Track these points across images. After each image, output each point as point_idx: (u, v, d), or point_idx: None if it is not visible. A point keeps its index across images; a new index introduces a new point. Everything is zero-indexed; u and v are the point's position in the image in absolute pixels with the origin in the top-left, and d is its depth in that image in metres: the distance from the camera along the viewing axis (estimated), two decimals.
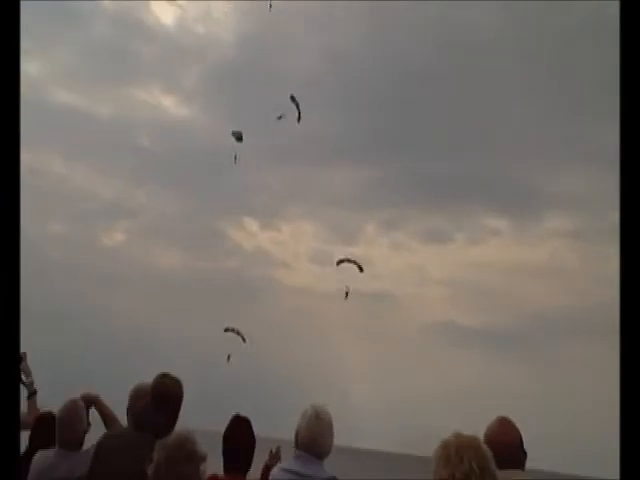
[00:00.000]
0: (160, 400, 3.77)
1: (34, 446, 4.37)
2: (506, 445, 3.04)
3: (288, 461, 3.56)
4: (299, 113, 12.84)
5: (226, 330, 14.29)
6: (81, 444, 4.20)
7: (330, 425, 3.54)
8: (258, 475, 3.98)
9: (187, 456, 2.76)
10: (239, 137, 12.81)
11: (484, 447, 2.23)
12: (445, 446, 2.21)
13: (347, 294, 14.53)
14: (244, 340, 14.28)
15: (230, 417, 3.93)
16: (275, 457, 4.01)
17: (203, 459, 2.81)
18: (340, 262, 13.33)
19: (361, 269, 13.27)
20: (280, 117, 13.32)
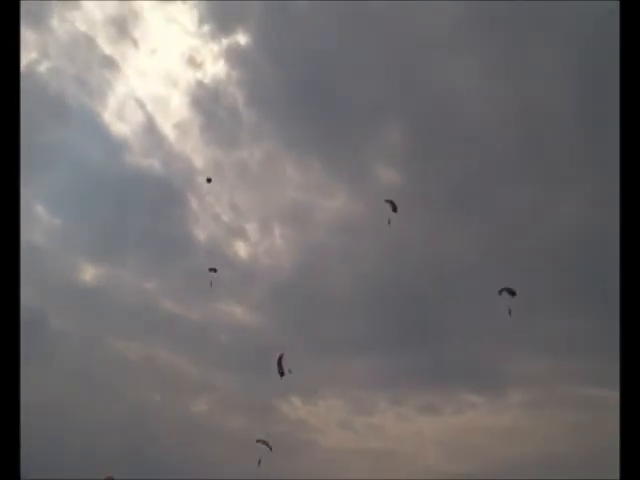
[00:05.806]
0: None
1: None
2: None
3: None
4: None
5: (257, 441, 16.70)
6: None
7: None
8: None
9: None
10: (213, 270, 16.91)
11: None
12: None
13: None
14: (270, 449, 16.84)
15: None
16: None
17: None
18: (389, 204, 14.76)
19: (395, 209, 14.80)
20: (290, 371, 17.20)
